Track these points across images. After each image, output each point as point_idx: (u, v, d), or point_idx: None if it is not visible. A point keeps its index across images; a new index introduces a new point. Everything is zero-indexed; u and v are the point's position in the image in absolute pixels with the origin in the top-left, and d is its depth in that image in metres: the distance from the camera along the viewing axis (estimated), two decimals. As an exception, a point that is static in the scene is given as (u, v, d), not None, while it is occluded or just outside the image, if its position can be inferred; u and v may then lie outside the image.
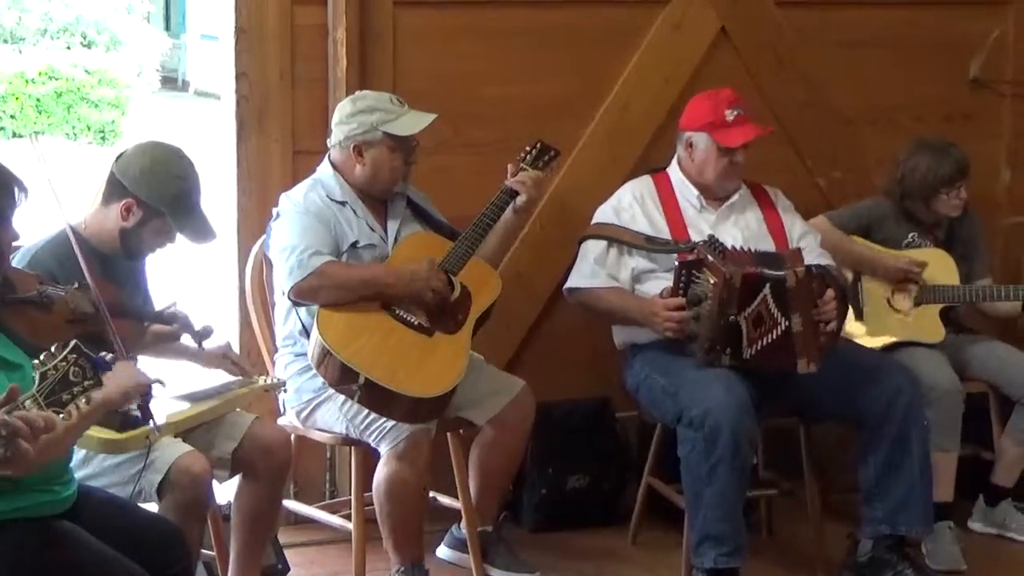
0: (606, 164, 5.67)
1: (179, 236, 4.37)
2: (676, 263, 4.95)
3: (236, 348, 5.34)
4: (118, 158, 4.37)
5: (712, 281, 4.86)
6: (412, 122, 4.85)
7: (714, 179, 5.21)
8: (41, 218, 4.04)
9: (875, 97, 6.05)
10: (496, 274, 5.01)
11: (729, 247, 4.97)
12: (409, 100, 5.03)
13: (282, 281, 4.76)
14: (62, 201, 4.08)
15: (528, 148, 5.12)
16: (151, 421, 3.92)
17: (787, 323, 4.88)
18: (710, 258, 4.90)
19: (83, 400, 3.21)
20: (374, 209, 4.92)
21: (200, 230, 4.39)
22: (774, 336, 4.89)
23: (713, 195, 5.24)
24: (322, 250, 4.71)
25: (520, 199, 4.98)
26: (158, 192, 4.29)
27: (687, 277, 4.91)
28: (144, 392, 3.78)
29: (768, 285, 4.88)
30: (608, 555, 5.43)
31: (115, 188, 4.32)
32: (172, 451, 4.11)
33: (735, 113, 5.16)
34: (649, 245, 5.14)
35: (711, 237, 5.01)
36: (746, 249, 5.03)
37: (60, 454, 3.55)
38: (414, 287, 4.72)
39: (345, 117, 4.88)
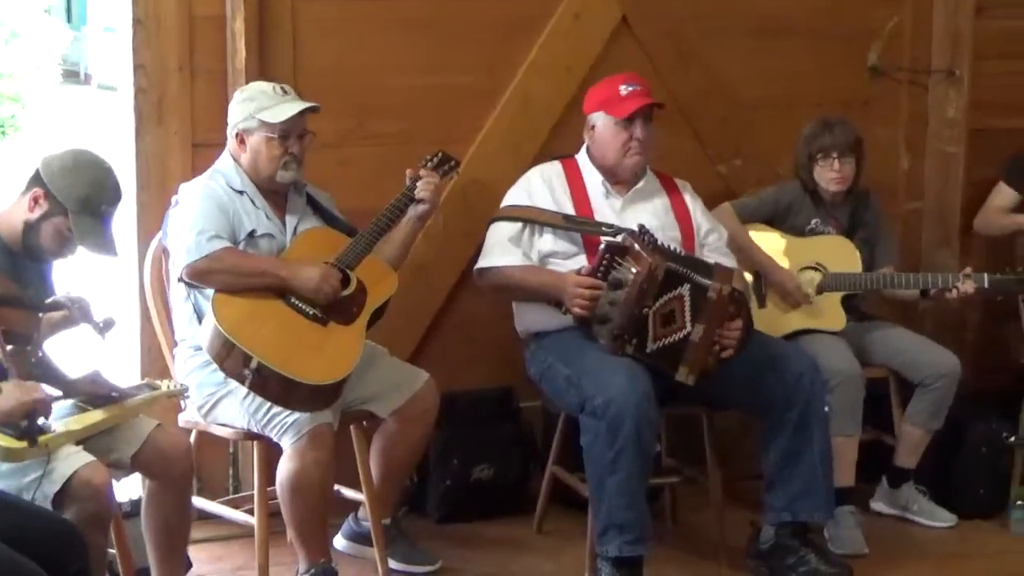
0: (508, 154, 5.66)
1: (80, 247, 4.32)
2: (603, 245, 4.95)
3: (137, 343, 5.33)
4: (48, 155, 4.36)
5: (635, 270, 4.86)
6: (286, 109, 4.84)
7: (614, 157, 5.20)
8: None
9: (776, 85, 6.09)
10: (393, 273, 4.99)
11: (659, 242, 4.97)
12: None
13: (178, 262, 4.73)
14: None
15: (428, 157, 5.14)
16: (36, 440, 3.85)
17: (690, 330, 4.91)
18: (636, 247, 4.90)
19: None
20: (273, 202, 4.91)
21: (99, 243, 4.32)
22: (676, 338, 4.91)
23: (618, 179, 5.23)
24: (220, 235, 4.70)
25: (422, 207, 5.00)
26: (68, 189, 4.25)
27: (609, 261, 4.91)
28: (29, 413, 3.73)
29: (689, 288, 4.89)
30: (513, 545, 5.44)
31: (33, 180, 4.30)
32: (71, 462, 4.03)
33: (630, 88, 5.17)
34: (567, 224, 5.14)
35: (641, 227, 4.99)
36: (679, 251, 5.04)
37: None
38: (306, 288, 4.71)
39: (232, 106, 4.91)
